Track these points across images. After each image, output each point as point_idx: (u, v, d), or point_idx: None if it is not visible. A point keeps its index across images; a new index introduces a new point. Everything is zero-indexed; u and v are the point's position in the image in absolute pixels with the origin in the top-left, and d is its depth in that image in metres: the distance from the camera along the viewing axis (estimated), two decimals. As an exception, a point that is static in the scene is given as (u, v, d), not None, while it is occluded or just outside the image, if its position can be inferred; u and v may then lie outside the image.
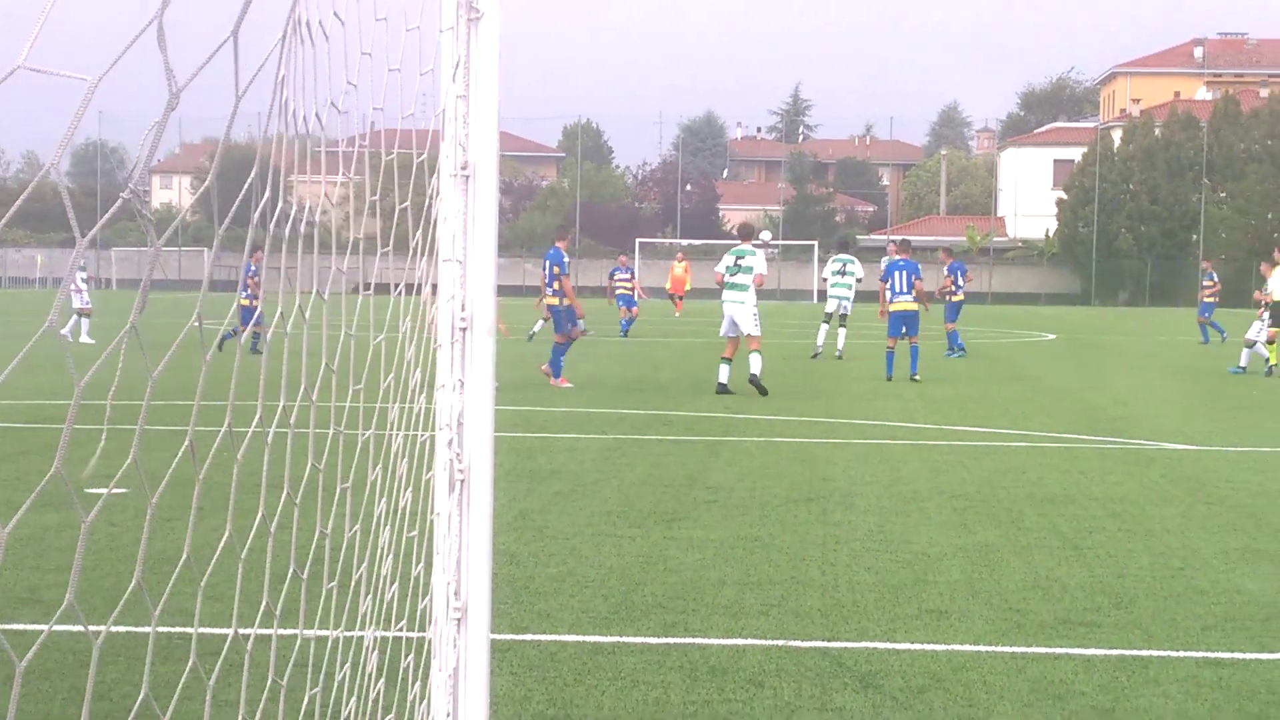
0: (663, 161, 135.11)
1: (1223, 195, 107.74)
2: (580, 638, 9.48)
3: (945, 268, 41.71)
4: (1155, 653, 9.39)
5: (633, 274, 52.72)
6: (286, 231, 4.38)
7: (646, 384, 29.54)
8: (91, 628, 3.00)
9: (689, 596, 10.63)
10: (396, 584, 5.31)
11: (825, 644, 9.43)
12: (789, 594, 10.76)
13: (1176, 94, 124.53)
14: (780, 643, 9.42)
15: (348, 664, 5.07)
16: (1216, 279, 51.15)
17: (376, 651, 5.25)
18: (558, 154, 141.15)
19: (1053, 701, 8.29)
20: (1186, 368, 36.73)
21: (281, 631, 4.81)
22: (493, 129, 4.82)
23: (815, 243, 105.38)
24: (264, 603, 4.32)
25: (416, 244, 5.13)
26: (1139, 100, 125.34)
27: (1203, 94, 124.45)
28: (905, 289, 31.49)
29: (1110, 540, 13.12)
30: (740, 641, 9.44)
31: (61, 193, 2.81)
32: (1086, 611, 10.42)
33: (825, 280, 39.84)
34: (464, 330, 4.83)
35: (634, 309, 49.89)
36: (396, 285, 5.24)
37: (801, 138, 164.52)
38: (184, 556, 3.67)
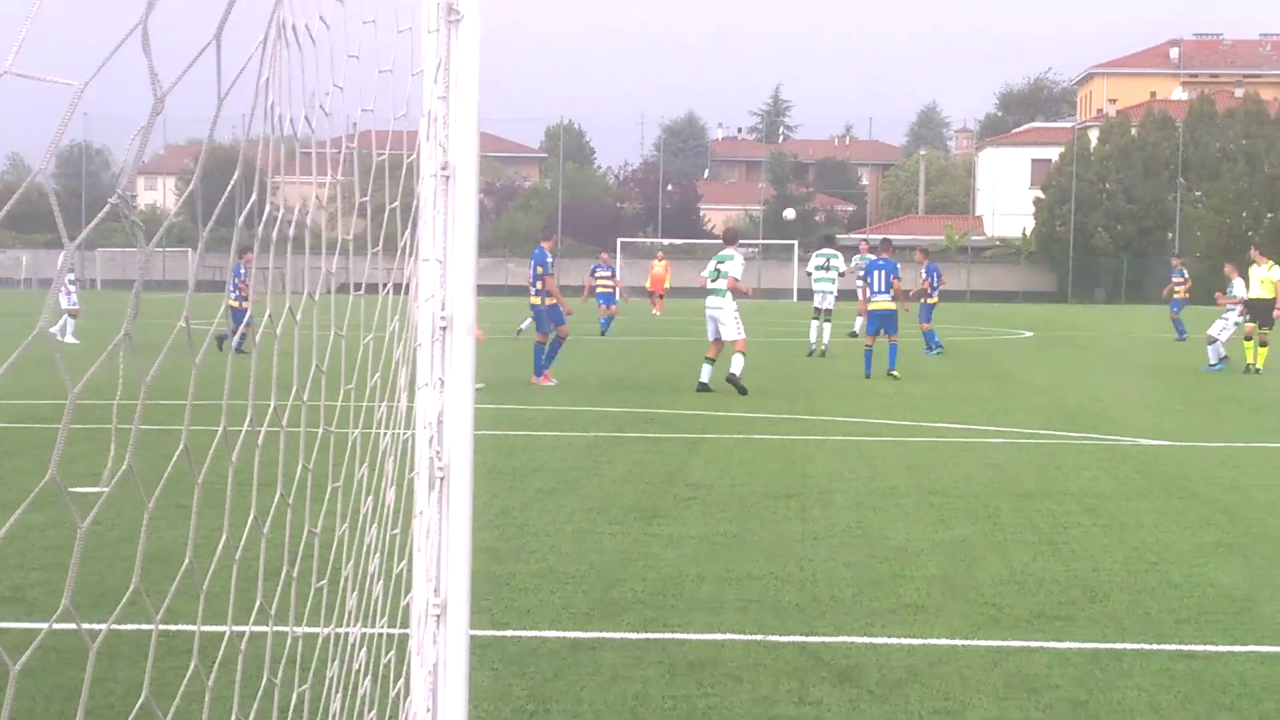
0: (644, 162, 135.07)
1: (1198, 194, 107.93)
2: (560, 634, 9.50)
3: (922, 269, 41.76)
4: (1129, 646, 9.43)
5: (613, 272, 52.69)
6: (274, 234, 4.41)
7: (628, 382, 29.55)
8: (86, 626, 3.01)
9: (668, 592, 10.66)
10: (382, 581, 5.33)
11: (803, 639, 9.46)
12: (767, 589, 10.79)
13: (1152, 94, 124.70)
14: (758, 638, 9.45)
15: (335, 660, 5.09)
16: (1187, 275, 51.29)
17: (363, 648, 5.27)
18: (540, 155, 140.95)
19: (1028, 694, 8.33)
20: (1162, 364, 36.81)
21: (267, 629, 4.83)
22: (473, 130, 4.84)
23: (795, 242, 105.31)
24: (258, 601, 4.35)
25: (405, 244, 5.15)
26: (1115, 100, 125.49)
27: (1178, 94, 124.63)
28: (884, 288, 31.55)
29: (1085, 535, 13.17)
30: (719, 637, 9.46)
31: (49, 196, 2.83)
32: (1061, 605, 10.46)
33: (809, 274, 39.90)
34: (444, 329, 4.86)
35: (613, 307, 49.87)
36: (385, 285, 5.27)
37: (782, 138, 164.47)
38: (186, 560, 3.69)
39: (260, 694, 4.79)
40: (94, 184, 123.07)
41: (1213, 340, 35.41)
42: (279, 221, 4.44)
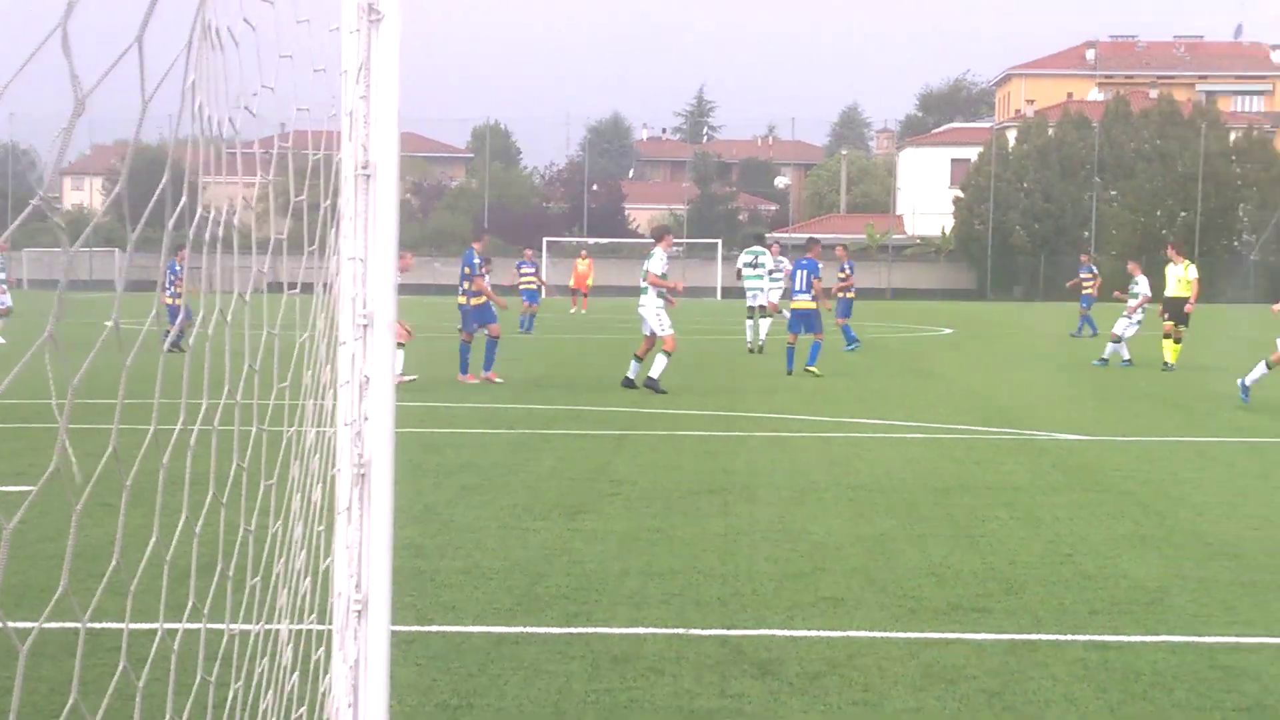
0: (570, 162, 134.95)
1: (1114, 193, 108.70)
2: (484, 629, 9.49)
3: (845, 264, 41.90)
4: (1044, 637, 9.50)
5: (536, 269, 52.61)
6: (206, 234, 4.39)
7: (553, 379, 29.53)
8: (12, 625, 2.99)
9: (592, 587, 10.66)
10: (310, 578, 5.32)
11: (724, 632, 9.48)
12: (690, 584, 10.81)
13: (1069, 95, 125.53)
14: (680, 631, 9.47)
15: (265, 657, 5.07)
16: (1096, 272, 51.70)
17: (291, 645, 5.26)
18: (466, 155, 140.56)
19: (945, 685, 8.38)
20: (1078, 360, 37.04)
21: (189, 625, 4.80)
22: (393, 129, 4.84)
23: (719, 241, 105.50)
24: (190, 600, 4.33)
25: (330, 243, 5.13)
26: (1033, 101, 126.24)
27: (1094, 95, 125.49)
28: (804, 288, 31.65)
29: (1002, 528, 13.26)
30: (641, 630, 9.47)
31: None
32: (978, 597, 10.52)
33: (739, 272, 40.06)
34: (365, 327, 4.85)
35: (535, 304, 49.80)
36: (313, 284, 5.25)
37: (706, 138, 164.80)
38: (114, 562, 3.67)
39: (194, 692, 4.77)
40: (20, 184, 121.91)
41: (1118, 339, 35.68)
42: (209, 222, 4.42)
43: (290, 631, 5.19)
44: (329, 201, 5.10)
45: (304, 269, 5.22)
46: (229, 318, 4.54)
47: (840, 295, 40.46)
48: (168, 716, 4.18)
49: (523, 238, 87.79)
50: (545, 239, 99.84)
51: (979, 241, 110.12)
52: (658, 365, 26.28)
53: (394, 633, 8.89)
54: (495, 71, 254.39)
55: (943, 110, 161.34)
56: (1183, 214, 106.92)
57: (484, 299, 28.59)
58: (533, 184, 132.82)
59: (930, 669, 8.70)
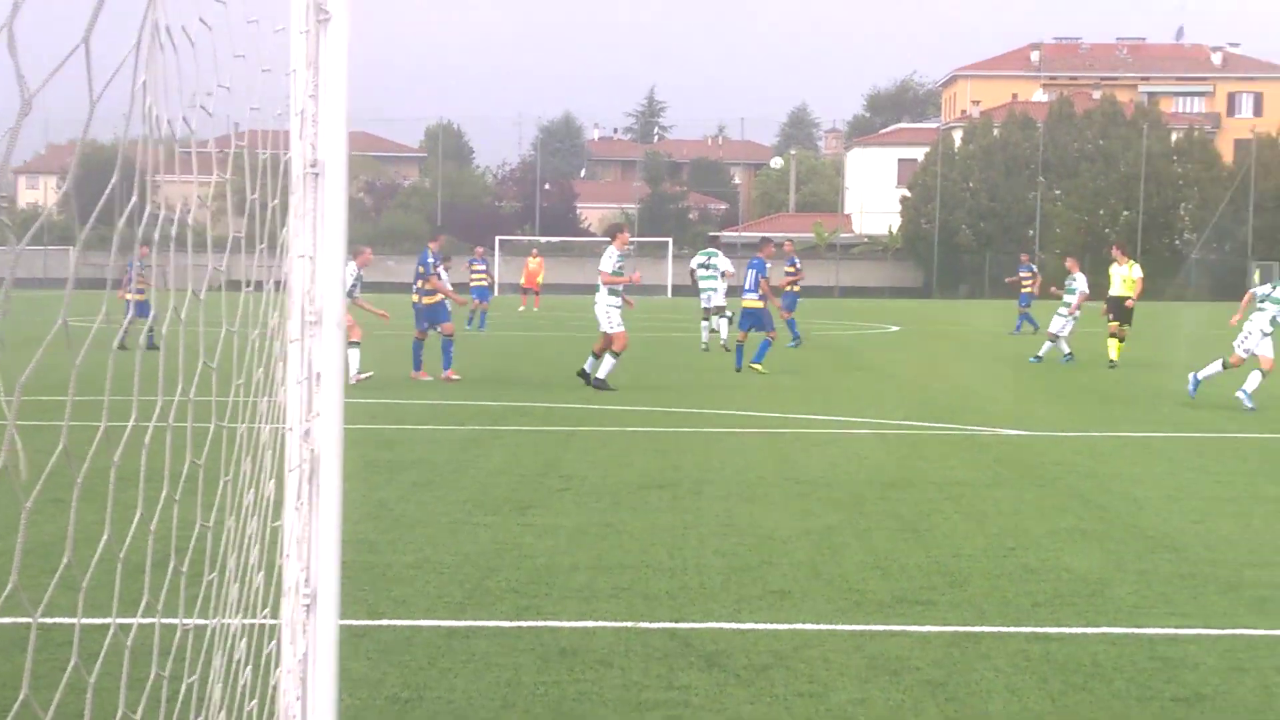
0: (522, 161, 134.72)
1: (1058, 192, 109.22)
2: (435, 622, 9.48)
3: (792, 259, 41.99)
4: (987, 629, 9.54)
5: (487, 266, 52.50)
6: (156, 233, 4.37)
7: (504, 376, 29.50)
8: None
9: (541, 581, 10.66)
10: (264, 572, 5.30)
11: (672, 625, 9.49)
12: (638, 578, 10.82)
13: (1014, 96, 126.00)
14: (629, 624, 9.47)
15: (218, 651, 5.06)
16: (1035, 271, 51.96)
17: (244, 638, 5.24)
18: (420, 154, 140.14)
19: (889, 677, 8.40)
20: (1022, 357, 37.15)
21: (143, 620, 4.79)
22: (342, 128, 4.83)
23: (670, 240, 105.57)
24: (145, 596, 4.32)
25: (283, 241, 5.12)
26: (978, 102, 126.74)
27: (1039, 96, 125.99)
28: (753, 286, 31.71)
29: (947, 522, 13.30)
30: (590, 624, 9.48)
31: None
32: (923, 590, 10.56)
33: (693, 272, 40.14)
34: (314, 324, 4.84)
35: (485, 302, 49.71)
36: (266, 282, 5.24)
37: (656, 138, 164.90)
38: (66, 559, 3.65)
39: (148, 686, 4.75)
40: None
41: (1055, 338, 35.87)
42: (160, 220, 4.41)
43: (243, 625, 5.18)
44: (276, 200, 5.09)
45: (257, 267, 5.21)
46: (183, 315, 4.53)
47: (788, 289, 40.53)
48: (120, 711, 4.17)
49: (475, 236, 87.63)
50: (498, 237, 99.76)
51: (925, 240, 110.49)
52: (605, 365, 26.28)
53: (345, 626, 8.87)
54: (448, 72, 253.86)
55: (890, 111, 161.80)
56: (1125, 213, 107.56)
57: (438, 298, 28.55)
58: (485, 183, 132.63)
59: (875, 661, 8.72)
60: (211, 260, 4.86)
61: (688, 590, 10.46)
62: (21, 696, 3.36)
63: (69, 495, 3.62)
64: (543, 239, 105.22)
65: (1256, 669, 8.68)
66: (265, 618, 5.34)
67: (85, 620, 4.47)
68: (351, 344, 25.62)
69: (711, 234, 52.27)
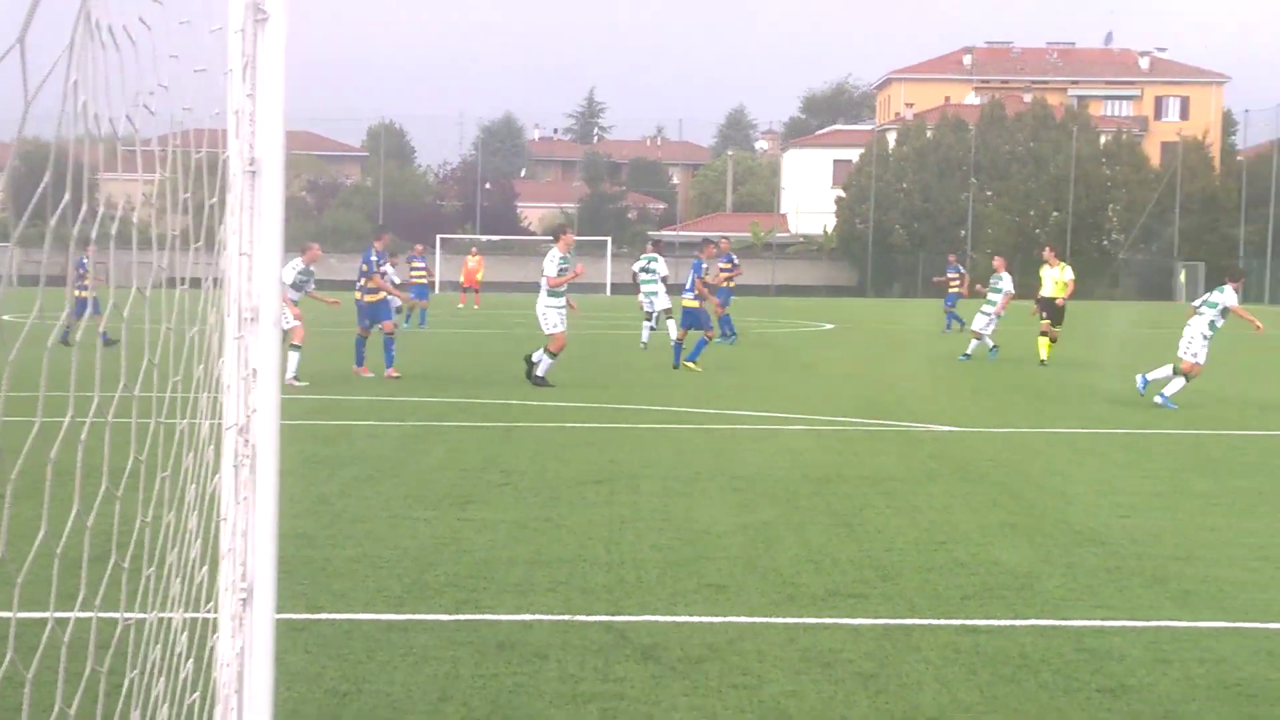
0: (463, 161, 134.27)
1: (989, 194, 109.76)
2: (374, 616, 9.43)
3: (727, 256, 42.08)
4: (918, 621, 9.56)
5: (426, 264, 52.28)
6: (94, 231, 4.33)
7: (445, 374, 29.42)
8: None
9: (480, 575, 10.63)
10: (206, 567, 5.26)
11: (609, 618, 9.48)
12: (576, 571, 10.80)
13: (947, 99, 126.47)
14: (566, 618, 9.45)
15: (158, 645, 5.01)
16: (962, 270, 52.19)
17: (186, 633, 5.20)
18: (362, 153, 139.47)
19: (822, 669, 8.41)
20: (954, 355, 37.30)
21: (80, 615, 4.74)
22: (279, 127, 4.80)
23: (609, 239, 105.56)
24: (82, 591, 4.27)
25: (219, 239, 5.08)
26: (912, 104, 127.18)
27: (971, 99, 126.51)
28: (690, 287, 31.80)
29: (879, 517, 13.33)
30: (528, 617, 9.45)
31: None
32: (855, 584, 10.58)
33: (635, 275, 40.21)
34: (251, 321, 4.80)
35: (424, 300, 49.53)
36: (205, 279, 5.20)
37: (596, 139, 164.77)
38: (0, 549, 3.60)
39: (85, 680, 4.70)
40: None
41: (979, 336, 36.04)
42: (99, 218, 4.37)
43: (185, 620, 5.14)
44: (214, 199, 5.05)
45: (197, 264, 5.16)
46: (125, 313, 4.48)
47: (724, 285, 40.62)
48: (57, 704, 4.12)
49: (417, 235, 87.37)
50: (439, 236, 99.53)
51: (860, 240, 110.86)
52: (543, 364, 26.26)
53: (284, 620, 8.83)
54: (390, 72, 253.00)
55: (826, 113, 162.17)
56: (1055, 214, 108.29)
57: (380, 296, 28.46)
58: (427, 182, 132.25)
59: (808, 653, 8.73)
60: (156, 258, 4.82)
61: (624, 584, 10.45)
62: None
63: (3, 490, 3.57)
64: (483, 238, 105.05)
65: (1180, 660, 8.73)
66: (208, 612, 5.30)
67: (21, 614, 4.43)
68: (293, 346, 25.51)
69: (650, 233, 52.30)
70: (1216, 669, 8.57)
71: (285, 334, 25.57)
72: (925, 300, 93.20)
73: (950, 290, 51.09)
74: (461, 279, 67.76)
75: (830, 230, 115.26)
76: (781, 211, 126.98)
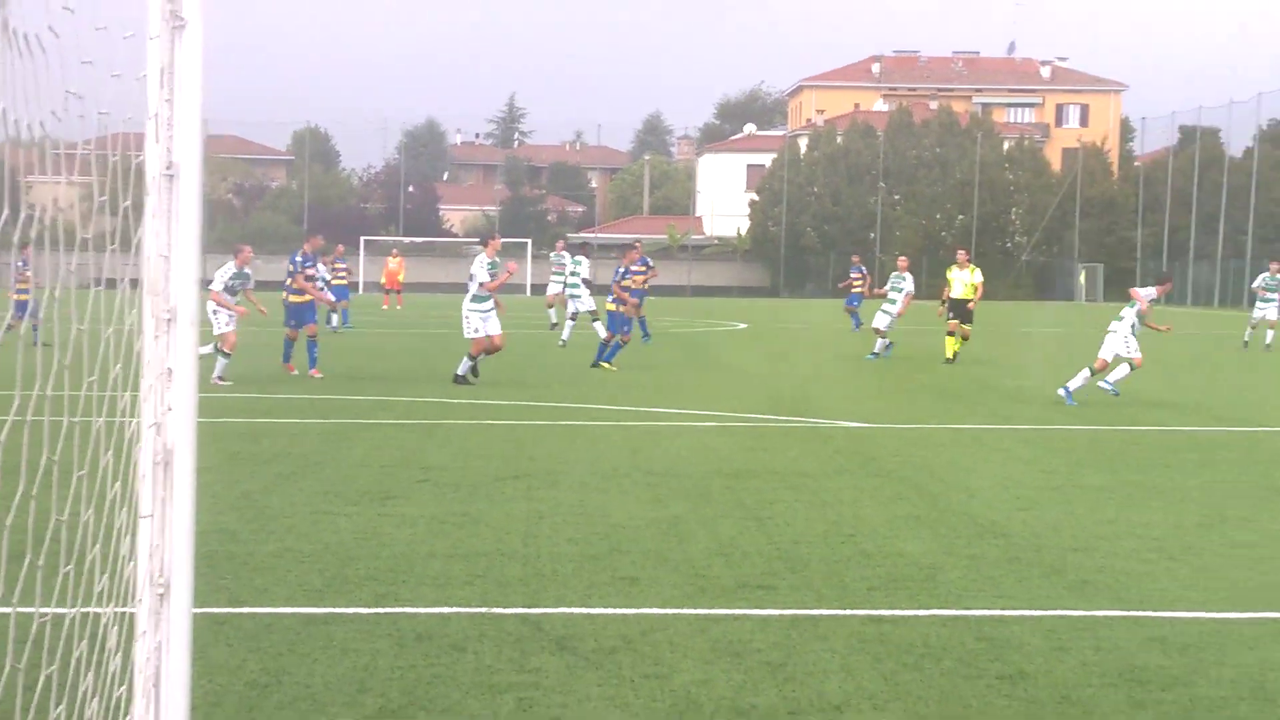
0: (386, 165, 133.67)
1: (897, 198, 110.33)
2: (294, 609, 9.38)
3: (642, 259, 42.10)
4: (825, 612, 9.60)
5: (347, 265, 51.96)
6: (16, 235, 4.29)
7: (368, 372, 29.29)
8: None
9: (400, 569, 10.58)
10: (134, 563, 5.21)
11: (525, 610, 9.46)
12: (493, 565, 10.77)
13: (856, 105, 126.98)
14: (483, 610, 9.43)
15: (84, 640, 4.96)
16: (865, 271, 52.43)
17: (116, 627, 5.15)
18: (287, 157, 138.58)
19: (731, 659, 8.43)
20: (862, 353, 37.45)
21: (10, 610, 4.70)
22: (196, 131, 4.76)
23: (529, 240, 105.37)
24: None
25: (139, 241, 5.04)
26: (823, 111, 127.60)
27: (880, 106, 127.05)
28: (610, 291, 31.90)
29: (789, 510, 13.37)
30: (446, 610, 9.42)
31: None
32: (765, 575, 10.60)
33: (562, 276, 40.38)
34: (169, 321, 4.76)
35: (345, 300, 49.25)
36: (124, 281, 5.15)
37: (517, 143, 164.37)
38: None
39: (4, 675, 4.64)
40: None
41: (881, 333, 36.22)
42: (23, 220, 4.32)
43: (114, 614, 5.09)
44: (128, 202, 5.00)
45: (108, 265, 5.11)
46: (54, 313, 4.44)
47: (640, 286, 40.66)
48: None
49: (341, 236, 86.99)
50: (363, 238, 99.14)
51: (773, 242, 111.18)
52: (463, 364, 26.22)
53: (206, 614, 8.78)
54: (314, 77, 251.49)
55: (739, 119, 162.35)
56: (960, 217, 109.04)
57: (306, 298, 28.27)
58: (351, 185, 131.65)
59: (718, 643, 8.74)
60: (78, 259, 4.77)
61: (540, 577, 10.43)
62: None
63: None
64: (406, 239, 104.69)
65: (1076, 648, 8.80)
66: (133, 607, 5.25)
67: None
68: (222, 353, 25.32)
69: (570, 235, 52.34)
70: (1111, 656, 8.65)
71: (219, 337, 25.44)
72: (836, 300, 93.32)
73: (853, 290, 51.35)
74: (383, 280, 67.48)
75: (744, 232, 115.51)
76: (697, 214, 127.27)
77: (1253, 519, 13.48)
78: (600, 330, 37.71)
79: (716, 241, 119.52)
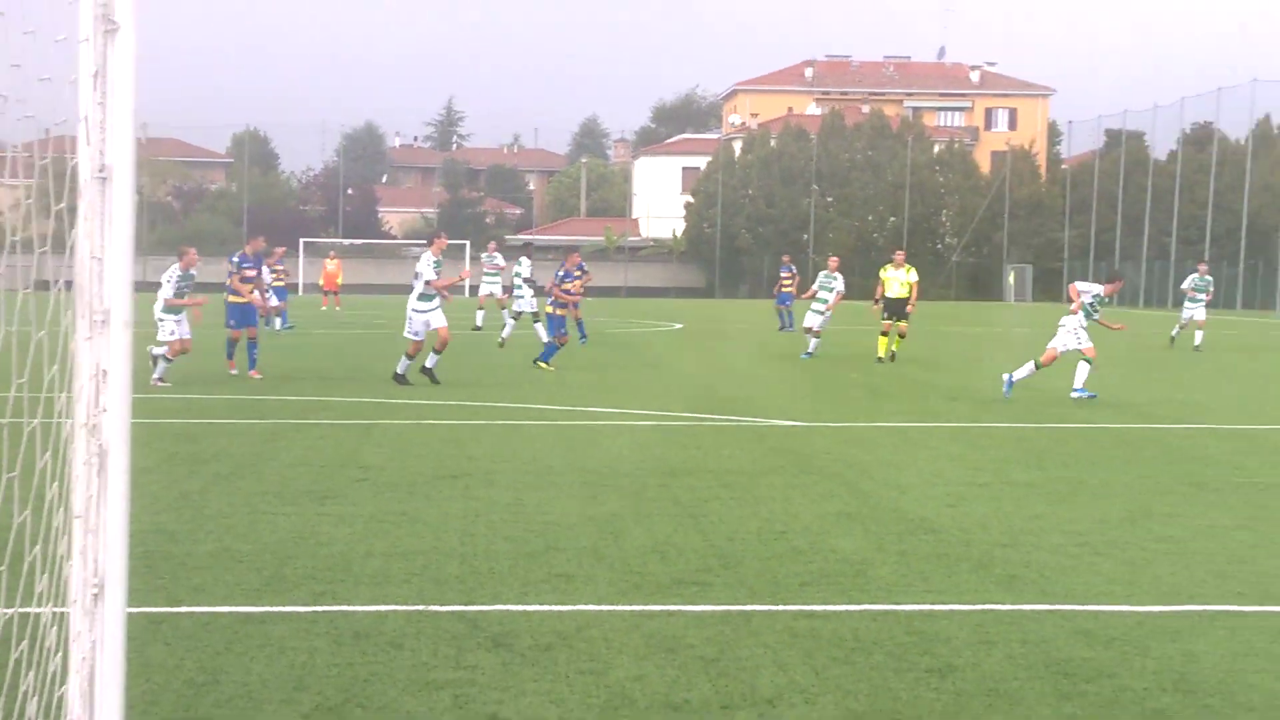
0: (326, 167, 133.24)
1: (830, 200, 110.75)
2: (232, 608, 9.31)
3: (579, 264, 42.16)
4: (758, 607, 9.61)
5: (285, 266, 51.72)
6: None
7: (307, 373, 29.15)
8: None
9: (337, 568, 10.53)
10: (73, 562, 5.16)
11: (462, 608, 9.43)
12: (430, 563, 10.74)
13: (789, 109, 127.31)
14: (420, 608, 9.39)
15: (24, 640, 4.91)
16: (794, 271, 52.66)
17: (56, 626, 5.10)
18: (226, 160, 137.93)
19: (665, 654, 8.42)
20: (795, 353, 37.54)
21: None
22: (129, 134, 4.73)
23: (467, 242, 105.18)
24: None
25: (72, 243, 5.00)
26: (757, 115, 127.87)
27: (812, 110, 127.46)
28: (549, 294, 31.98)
29: (723, 508, 13.38)
30: (383, 608, 9.38)
31: None
32: (699, 572, 10.60)
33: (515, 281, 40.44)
34: (102, 323, 4.72)
35: (283, 301, 49.03)
36: (58, 281, 5.10)
37: (455, 146, 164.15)
38: None
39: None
40: None
41: (814, 333, 36.31)
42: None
43: (53, 614, 5.05)
44: (61, 205, 4.96)
45: (47, 267, 5.07)
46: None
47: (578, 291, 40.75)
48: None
49: (281, 238, 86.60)
50: (302, 240, 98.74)
51: (708, 243, 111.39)
52: (401, 363, 26.18)
53: (143, 613, 8.72)
54: (253, 80, 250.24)
55: (675, 122, 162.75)
56: (892, 219, 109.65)
57: (245, 299, 28.20)
58: (290, 187, 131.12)
59: (652, 639, 8.74)
60: (6, 261, 4.73)
61: (477, 574, 10.40)
62: None
63: None
64: (345, 241, 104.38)
65: (1004, 641, 8.84)
66: (75, 606, 5.21)
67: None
68: (164, 358, 25.15)
69: (509, 236, 52.36)
70: (1037, 649, 8.69)
71: (166, 343, 25.26)
72: (770, 301, 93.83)
73: (783, 290, 51.58)
74: (322, 282, 67.27)
75: (680, 234, 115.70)
76: (633, 216, 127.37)
77: (1177, 514, 13.59)
78: (541, 333, 37.72)
79: (653, 243, 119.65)
